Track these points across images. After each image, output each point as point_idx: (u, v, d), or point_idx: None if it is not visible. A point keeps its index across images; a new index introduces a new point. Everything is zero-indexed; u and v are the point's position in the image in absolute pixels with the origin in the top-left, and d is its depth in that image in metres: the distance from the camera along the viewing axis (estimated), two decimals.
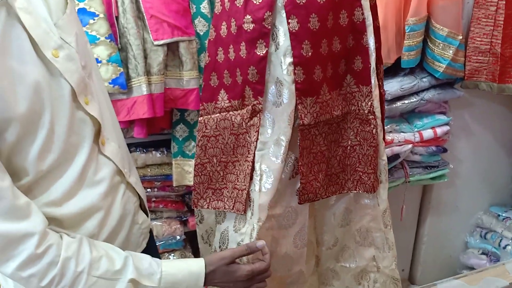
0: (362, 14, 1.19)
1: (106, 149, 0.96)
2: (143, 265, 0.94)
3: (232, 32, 1.17)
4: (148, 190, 1.88)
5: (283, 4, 1.11)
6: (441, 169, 2.05)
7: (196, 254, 2.05)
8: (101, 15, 1.48)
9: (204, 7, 1.62)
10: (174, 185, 1.84)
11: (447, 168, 2.06)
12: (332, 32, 1.16)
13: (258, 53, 1.14)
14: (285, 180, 1.25)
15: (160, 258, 1.24)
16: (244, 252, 1.12)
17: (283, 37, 1.13)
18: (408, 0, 1.73)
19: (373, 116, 1.25)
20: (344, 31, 1.19)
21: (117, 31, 1.53)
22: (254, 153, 1.20)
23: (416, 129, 1.93)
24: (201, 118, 1.27)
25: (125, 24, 1.52)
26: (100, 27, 1.48)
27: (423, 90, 1.90)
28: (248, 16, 1.12)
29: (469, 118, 2.14)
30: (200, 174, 1.29)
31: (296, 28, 1.12)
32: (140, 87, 1.57)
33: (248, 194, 1.22)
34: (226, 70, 1.21)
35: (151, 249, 1.17)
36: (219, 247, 1.34)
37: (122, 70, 1.53)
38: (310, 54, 1.14)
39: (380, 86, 1.30)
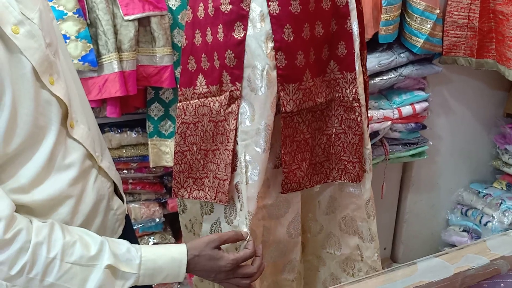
0: None
1: (75, 132, 0.92)
2: (121, 250, 0.91)
3: (209, 13, 1.12)
4: (125, 171, 1.85)
5: None
6: (420, 146, 2.05)
7: (177, 236, 2.04)
8: None
9: None
10: (151, 166, 1.81)
11: (426, 145, 2.06)
12: (315, 16, 1.13)
13: (236, 36, 1.09)
14: (273, 170, 1.23)
15: (138, 243, 1.20)
16: (232, 237, 1.08)
17: (263, 20, 1.08)
18: None
19: (357, 104, 1.22)
20: (326, 15, 1.15)
21: (86, 6, 1.49)
22: (234, 142, 1.15)
23: (395, 106, 1.92)
24: (180, 104, 1.22)
25: None
26: (67, 2, 1.44)
27: (401, 66, 1.88)
28: None
29: (448, 95, 2.13)
30: (180, 162, 1.24)
31: (277, 11, 1.07)
32: (111, 64, 1.53)
33: (231, 184, 1.18)
34: (203, 54, 1.17)
35: (129, 235, 1.14)
36: None
37: (91, 46, 1.50)
38: (291, 38, 1.09)
39: (364, 73, 1.27)
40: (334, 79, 1.22)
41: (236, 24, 1.09)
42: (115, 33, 1.53)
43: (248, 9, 1.08)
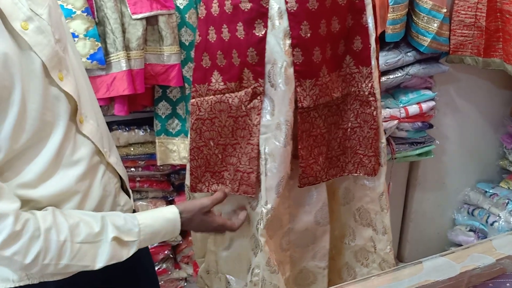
0: None
1: (84, 128, 0.93)
2: (120, 222, 0.94)
3: (226, 11, 1.13)
4: (132, 169, 1.86)
5: None
6: (427, 145, 2.04)
7: (184, 233, 2.05)
8: None
9: None
10: (158, 164, 1.82)
11: (433, 144, 2.05)
12: (331, 12, 1.14)
13: (257, 34, 1.11)
14: (296, 161, 1.25)
15: None
16: (221, 198, 1.19)
17: (281, 17, 1.10)
18: None
19: (373, 98, 1.23)
20: (343, 10, 1.16)
21: (94, 5, 1.49)
22: (259, 136, 1.19)
23: (401, 105, 1.92)
24: (194, 100, 1.23)
25: None
26: (76, 1, 1.45)
27: (408, 65, 1.88)
28: None
29: (455, 94, 2.13)
30: (196, 157, 1.26)
31: (295, 8, 1.09)
32: (119, 62, 1.54)
33: (257, 176, 1.22)
34: (219, 51, 1.18)
35: None
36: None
37: (100, 45, 1.51)
38: (309, 35, 1.11)
39: (377, 67, 1.28)
40: (350, 73, 1.23)
41: (256, 22, 1.11)
42: (123, 31, 1.54)
43: (267, 7, 1.10)
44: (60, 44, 0.89)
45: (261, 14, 1.10)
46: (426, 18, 1.78)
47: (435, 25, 1.78)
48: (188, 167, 1.29)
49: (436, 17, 1.77)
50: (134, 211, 1.17)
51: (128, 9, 1.52)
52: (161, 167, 1.89)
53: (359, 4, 1.17)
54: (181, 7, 1.61)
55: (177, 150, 1.79)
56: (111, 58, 1.55)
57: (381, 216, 1.36)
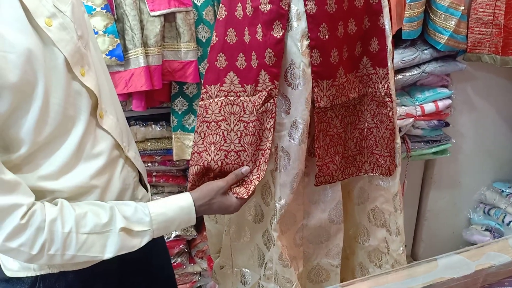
0: None
1: (104, 122, 0.95)
2: (129, 212, 0.94)
3: (248, 14, 1.14)
4: (149, 164, 1.88)
5: None
6: (443, 143, 2.04)
7: (199, 228, 2.07)
8: None
9: None
10: (174, 159, 1.84)
11: (449, 142, 2.04)
12: (348, 14, 1.15)
13: (275, 35, 1.11)
14: (312, 158, 1.26)
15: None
16: (236, 179, 1.16)
17: (299, 19, 1.11)
18: None
19: (389, 99, 1.24)
20: (360, 12, 1.18)
21: (113, 2, 1.52)
22: (272, 140, 1.18)
23: (417, 103, 1.91)
24: (202, 102, 1.22)
25: None
26: None
27: (424, 63, 1.88)
28: None
29: (472, 92, 2.11)
30: (195, 164, 1.22)
31: (314, 11, 1.10)
32: (138, 58, 1.56)
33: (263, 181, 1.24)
34: (241, 53, 1.18)
35: None
36: (254, 220, 1.36)
37: (118, 41, 1.53)
38: (327, 37, 1.12)
39: (392, 68, 1.29)
40: (366, 74, 1.25)
41: (275, 23, 1.11)
42: (142, 28, 1.56)
43: (287, 8, 1.10)
44: (82, 40, 0.91)
45: (280, 15, 1.10)
46: (443, 15, 1.77)
47: (453, 22, 1.77)
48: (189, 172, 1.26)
49: (453, 14, 1.76)
50: None
51: (147, 6, 1.53)
52: (177, 162, 1.91)
53: (376, 6, 1.18)
54: (199, 4, 1.62)
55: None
56: (130, 54, 1.57)
57: (395, 217, 1.37)
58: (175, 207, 1.00)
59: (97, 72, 0.96)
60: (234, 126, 1.19)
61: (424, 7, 1.77)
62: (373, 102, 1.27)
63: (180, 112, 1.78)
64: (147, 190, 1.13)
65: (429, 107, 1.91)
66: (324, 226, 1.36)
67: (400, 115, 1.88)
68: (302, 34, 1.11)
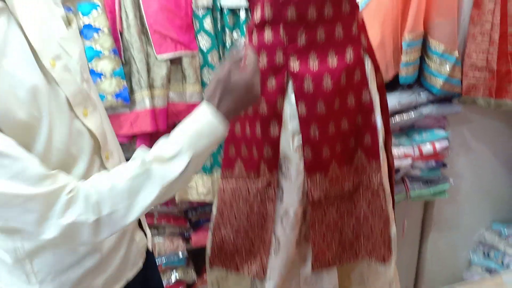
0: (370, 95, 1.25)
1: (110, 164, 0.96)
2: (153, 150, 0.88)
3: (248, 112, 1.26)
4: None
5: (293, 90, 1.19)
6: (441, 183, 2.06)
7: (199, 271, 2.05)
8: (106, 30, 1.53)
9: (207, 23, 1.66)
10: (176, 200, 1.85)
11: (447, 183, 2.06)
12: (340, 114, 1.24)
13: (272, 134, 1.23)
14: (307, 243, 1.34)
15: (161, 278, 1.28)
16: (236, 57, 0.95)
17: (292, 119, 1.22)
18: (405, 16, 1.78)
19: (382, 189, 1.31)
20: (352, 112, 1.26)
21: (121, 45, 1.57)
22: (272, 225, 1.28)
23: (415, 144, 1.95)
24: (221, 181, 1.35)
25: (129, 38, 1.57)
26: (104, 42, 1.52)
27: (421, 105, 1.92)
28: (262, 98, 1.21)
29: (469, 134, 2.15)
30: (215, 235, 1.36)
31: (305, 113, 1.20)
32: (143, 100, 1.60)
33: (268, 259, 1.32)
34: (243, 144, 1.30)
35: (152, 269, 1.17)
36: None
37: (125, 83, 1.57)
38: (317, 136, 1.22)
39: (389, 158, 1.37)
40: (361, 164, 1.32)
41: (272, 123, 1.22)
42: (148, 71, 1.60)
43: (281, 110, 1.22)
44: (88, 83, 0.94)
45: (276, 115, 1.22)
46: (438, 60, 1.83)
47: (448, 67, 1.83)
48: (209, 241, 1.39)
49: (448, 59, 1.82)
50: (150, 250, 1.17)
51: (154, 50, 1.58)
52: (179, 204, 1.91)
53: (368, 105, 1.27)
54: (204, 48, 1.67)
55: (195, 186, 1.82)
56: (136, 96, 1.60)
57: None
58: (192, 119, 0.91)
59: (102, 114, 0.98)
60: (242, 207, 1.32)
61: (419, 52, 1.83)
62: (368, 190, 1.33)
63: None
64: (145, 234, 1.13)
65: (427, 148, 1.95)
66: None
67: (398, 155, 1.91)
68: (293, 133, 1.22)
